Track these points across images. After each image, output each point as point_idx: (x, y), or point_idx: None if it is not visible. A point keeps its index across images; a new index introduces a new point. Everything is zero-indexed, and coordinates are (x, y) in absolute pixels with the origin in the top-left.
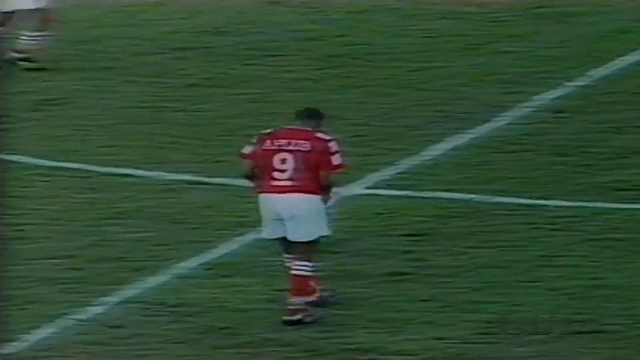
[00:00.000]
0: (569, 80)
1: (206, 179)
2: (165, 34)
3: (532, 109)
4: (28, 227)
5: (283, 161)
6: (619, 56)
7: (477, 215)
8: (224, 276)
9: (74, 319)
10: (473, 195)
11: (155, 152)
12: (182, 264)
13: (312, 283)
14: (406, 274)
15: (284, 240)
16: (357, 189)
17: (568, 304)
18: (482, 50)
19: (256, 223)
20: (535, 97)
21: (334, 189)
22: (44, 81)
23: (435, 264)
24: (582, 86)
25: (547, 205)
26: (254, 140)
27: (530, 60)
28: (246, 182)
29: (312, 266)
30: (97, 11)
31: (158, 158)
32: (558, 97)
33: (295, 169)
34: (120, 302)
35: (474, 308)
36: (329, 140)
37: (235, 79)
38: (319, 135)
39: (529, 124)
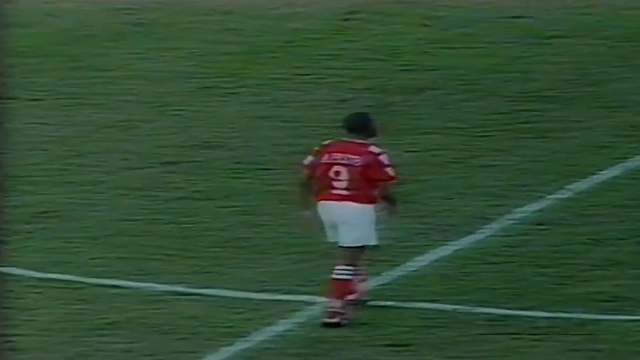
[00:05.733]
0: (549, 193)
1: (195, 290)
2: (156, 148)
3: (513, 221)
4: (19, 338)
5: (337, 173)
6: (599, 170)
7: (461, 325)
8: None
9: None
10: (457, 306)
11: (145, 264)
12: None
13: (351, 286)
14: None
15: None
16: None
17: None
18: (465, 163)
19: (244, 333)
20: (516, 210)
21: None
22: (36, 194)
23: None
24: (563, 199)
25: (529, 316)
26: (314, 152)
27: (512, 174)
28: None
29: (354, 270)
30: (89, 127)
31: (148, 269)
32: (539, 210)
33: (349, 181)
34: None
35: None
36: (380, 154)
37: (224, 191)
38: (371, 149)
39: (511, 235)
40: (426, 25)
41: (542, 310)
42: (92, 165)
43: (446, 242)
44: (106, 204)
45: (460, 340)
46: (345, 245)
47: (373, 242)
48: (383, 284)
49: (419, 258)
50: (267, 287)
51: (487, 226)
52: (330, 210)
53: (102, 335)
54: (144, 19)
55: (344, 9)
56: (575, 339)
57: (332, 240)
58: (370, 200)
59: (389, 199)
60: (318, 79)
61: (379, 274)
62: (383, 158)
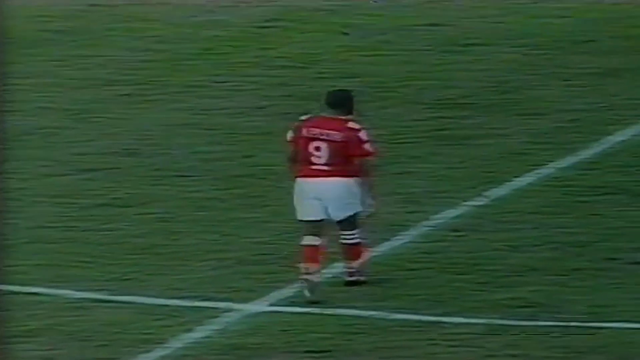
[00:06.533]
0: (466, 200)
1: (114, 297)
2: (74, 156)
3: (431, 228)
4: None
5: (317, 149)
6: (515, 177)
7: (379, 332)
8: None
9: None
10: (375, 312)
11: (64, 271)
12: None
13: (362, 248)
14: None
15: (313, 223)
16: (261, 306)
17: None
18: (383, 170)
19: (162, 340)
20: (434, 216)
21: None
22: None
23: None
24: (479, 205)
25: (446, 322)
26: (294, 127)
27: (430, 180)
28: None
29: (360, 233)
30: (7, 135)
31: (67, 276)
32: (456, 216)
33: (329, 156)
34: None
35: None
36: (359, 130)
37: (143, 199)
38: (350, 125)
39: (428, 242)
40: (345, 33)
41: (460, 317)
42: (11, 172)
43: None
44: (25, 211)
45: (378, 346)
46: (338, 219)
47: (360, 209)
48: (302, 290)
49: (337, 264)
50: (186, 294)
51: (405, 232)
52: (313, 187)
53: (21, 343)
54: (63, 27)
55: (262, 16)
56: (493, 345)
57: (306, 218)
58: (352, 174)
59: (366, 174)
60: (237, 86)
61: (294, 281)
62: (362, 134)
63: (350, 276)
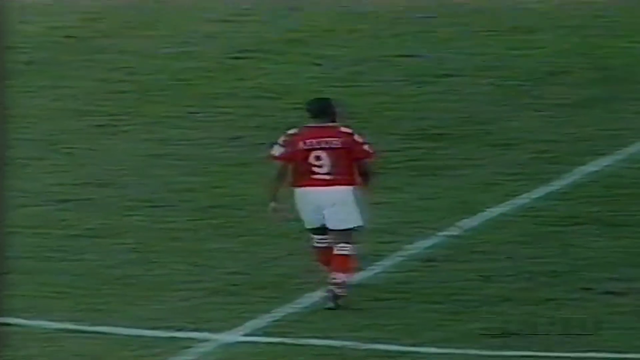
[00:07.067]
0: (439, 230)
1: (87, 328)
2: (48, 186)
3: (404, 258)
4: None
5: (318, 158)
6: (488, 207)
7: None
8: None
9: None
10: (348, 342)
11: (37, 301)
12: None
13: (352, 263)
14: None
15: (320, 228)
16: (235, 336)
17: None
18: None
19: None
20: (407, 246)
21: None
22: None
23: None
24: (453, 236)
25: (420, 352)
26: (282, 142)
27: (403, 211)
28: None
29: (354, 247)
30: None
31: (40, 307)
32: (429, 247)
33: (330, 164)
34: None
35: None
36: (353, 133)
37: (116, 229)
38: (343, 129)
39: (402, 272)
40: (318, 64)
41: (433, 347)
42: None
43: None
44: None
45: None
46: (337, 228)
47: (360, 223)
48: (274, 320)
49: (310, 294)
50: (159, 324)
51: (378, 262)
52: (315, 196)
53: None
54: (36, 58)
55: (235, 47)
56: None
57: (314, 226)
58: (352, 182)
59: (366, 176)
60: (210, 117)
61: (268, 311)
62: (357, 137)
63: (334, 287)
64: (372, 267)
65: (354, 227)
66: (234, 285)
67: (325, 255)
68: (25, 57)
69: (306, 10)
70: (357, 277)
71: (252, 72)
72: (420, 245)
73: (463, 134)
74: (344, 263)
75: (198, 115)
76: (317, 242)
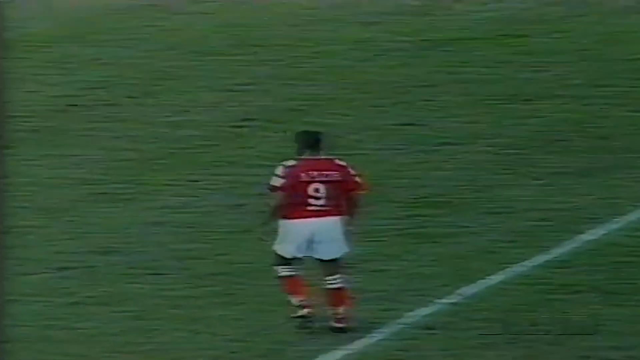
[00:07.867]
0: (439, 298)
1: None
2: (50, 254)
3: (404, 325)
4: None
5: (317, 190)
6: (487, 275)
7: None
8: None
9: None
10: None
11: None
12: None
13: (348, 293)
14: None
15: (288, 258)
16: None
17: None
18: (356, 268)
19: None
20: (407, 314)
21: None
22: None
23: None
24: (452, 303)
25: None
26: (282, 174)
27: (403, 278)
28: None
29: (345, 278)
30: None
31: None
32: (429, 314)
33: (327, 196)
34: None
35: None
36: (347, 166)
37: (118, 297)
38: (339, 162)
39: (402, 339)
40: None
41: None
42: None
43: (337, 347)
44: None
45: None
46: (327, 258)
47: (347, 250)
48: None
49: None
50: None
51: (378, 330)
52: (307, 227)
53: None
54: (39, 126)
55: (237, 116)
56: None
57: (291, 256)
58: (342, 212)
59: (356, 207)
60: (212, 184)
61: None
62: (351, 170)
63: (338, 322)
64: (372, 334)
65: (343, 254)
66: (234, 352)
67: (294, 284)
68: (28, 125)
69: (308, 79)
70: (357, 344)
71: (254, 140)
72: (420, 312)
73: (462, 202)
74: (340, 296)
75: (199, 182)
76: (283, 271)
